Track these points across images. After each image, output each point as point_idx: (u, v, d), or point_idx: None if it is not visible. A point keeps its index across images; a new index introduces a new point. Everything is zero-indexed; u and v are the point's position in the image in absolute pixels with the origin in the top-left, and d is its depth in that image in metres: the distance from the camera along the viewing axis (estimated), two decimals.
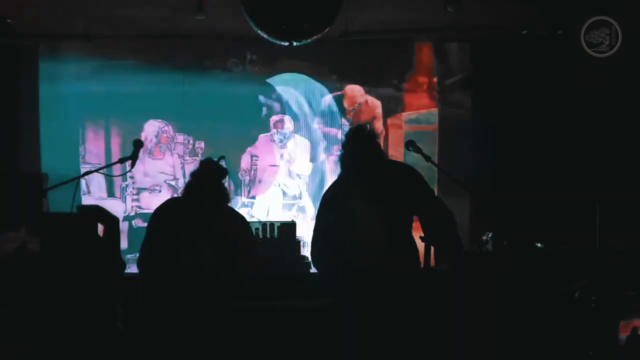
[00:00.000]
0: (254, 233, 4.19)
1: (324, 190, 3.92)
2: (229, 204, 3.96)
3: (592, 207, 4.32)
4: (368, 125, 3.79)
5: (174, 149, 6.65)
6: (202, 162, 3.96)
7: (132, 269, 4.20)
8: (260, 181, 6.74)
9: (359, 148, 3.61)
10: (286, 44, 4.31)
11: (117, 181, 6.49)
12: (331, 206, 3.71)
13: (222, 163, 3.93)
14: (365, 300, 3.51)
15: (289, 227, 4.68)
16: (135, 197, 6.64)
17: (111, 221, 3.59)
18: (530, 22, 5.76)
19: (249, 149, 6.69)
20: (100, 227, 3.56)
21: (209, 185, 3.83)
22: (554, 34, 5.64)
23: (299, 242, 4.61)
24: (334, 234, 3.64)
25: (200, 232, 3.77)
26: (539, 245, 4.20)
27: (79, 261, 3.44)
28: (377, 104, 6.70)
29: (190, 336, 3.68)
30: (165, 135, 6.62)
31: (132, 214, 6.63)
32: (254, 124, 6.69)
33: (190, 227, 3.78)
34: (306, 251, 4.48)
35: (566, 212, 5.33)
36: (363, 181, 3.61)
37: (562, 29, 5.54)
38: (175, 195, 6.38)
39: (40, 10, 5.58)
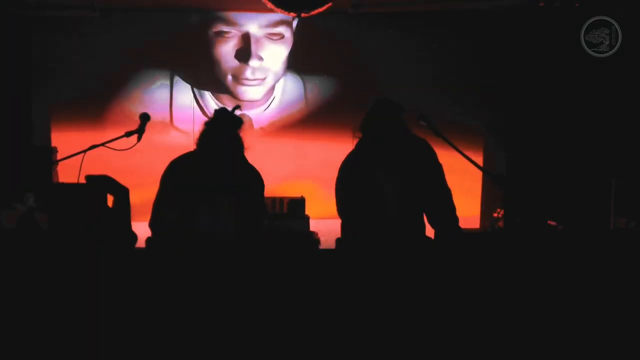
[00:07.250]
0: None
1: (343, 160, 3.85)
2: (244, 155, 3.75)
3: (607, 182, 4.20)
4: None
5: None
6: (216, 111, 3.77)
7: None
8: None
9: (382, 119, 3.60)
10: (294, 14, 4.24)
11: None
12: (348, 176, 3.68)
13: (237, 113, 3.76)
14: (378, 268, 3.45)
15: (298, 203, 4.63)
16: None
17: (121, 192, 3.49)
18: None
19: None
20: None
21: (224, 135, 3.65)
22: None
23: (308, 218, 4.56)
24: (351, 205, 3.62)
25: (218, 183, 3.56)
26: (553, 223, 4.12)
27: (87, 232, 3.36)
28: None
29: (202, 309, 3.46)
30: None
31: None
32: None
33: (206, 178, 3.57)
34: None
35: (581, 189, 5.19)
36: (382, 152, 3.58)
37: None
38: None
39: None
